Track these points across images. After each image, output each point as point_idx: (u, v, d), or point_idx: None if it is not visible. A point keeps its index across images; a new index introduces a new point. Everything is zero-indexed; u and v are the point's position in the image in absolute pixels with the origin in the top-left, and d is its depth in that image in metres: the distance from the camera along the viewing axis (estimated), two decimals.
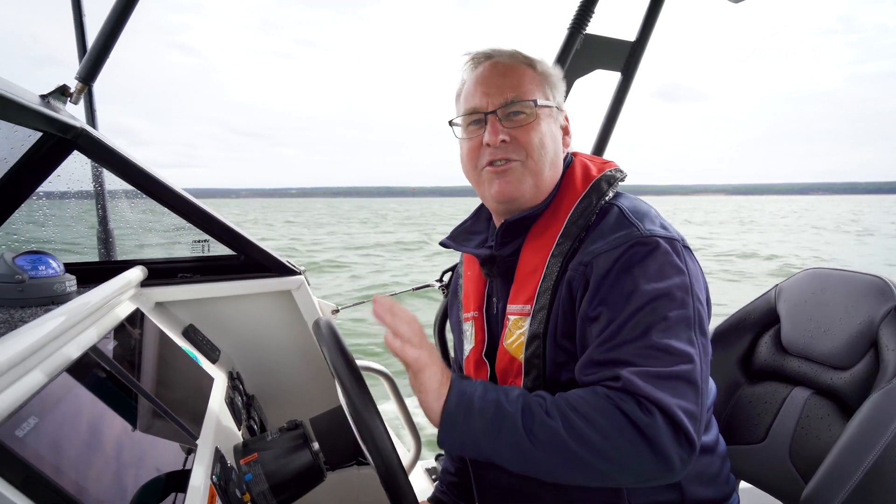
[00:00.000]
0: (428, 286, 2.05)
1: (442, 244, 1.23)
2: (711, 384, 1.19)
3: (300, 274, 1.78)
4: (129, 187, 1.58)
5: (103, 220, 2.20)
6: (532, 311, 1.03)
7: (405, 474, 0.87)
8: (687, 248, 1.00)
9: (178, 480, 0.89)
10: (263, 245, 1.75)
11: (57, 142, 1.41)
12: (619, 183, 1.09)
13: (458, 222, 1.28)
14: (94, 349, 0.98)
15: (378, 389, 1.55)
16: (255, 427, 1.43)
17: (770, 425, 1.36)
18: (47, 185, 1.46)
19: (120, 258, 2.18)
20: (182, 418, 1.05)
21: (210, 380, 1.39)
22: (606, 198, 1.05)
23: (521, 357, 1.04)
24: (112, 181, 2.18)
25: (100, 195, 2.23)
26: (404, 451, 2.05)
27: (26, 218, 1.56)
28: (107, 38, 1.54)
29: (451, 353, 1.41)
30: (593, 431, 0.85)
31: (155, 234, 1.95)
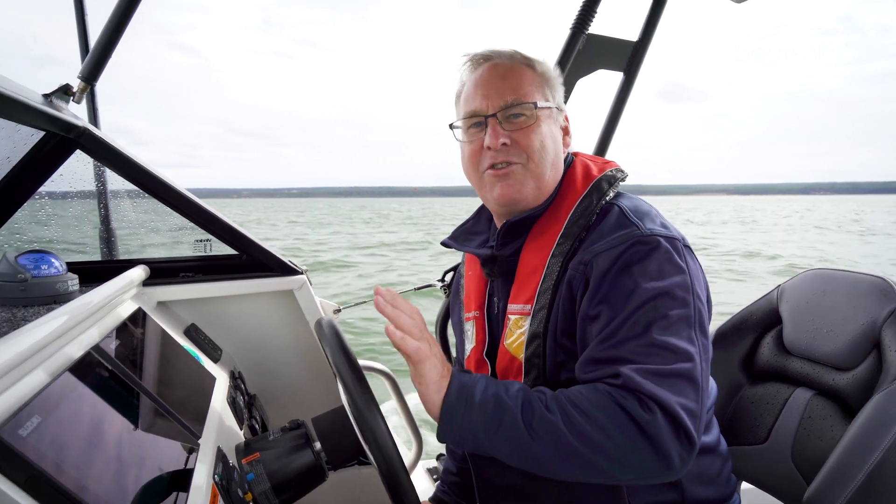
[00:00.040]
0: (430, 286, 2.05)
1: (443, 244, 1.23)
2: (712, 384, 1.19)
3: (302, 273, 1.78)
4: (131, 187, 1.57)
5: (105, 220, 2.19)
6: (532, 311, 1.03)
7: (407, 474, 0.86)
8: (687, 247, 1.00)
9: (181, 480, 0.89)
10: (265, 244, 1.75)
11: (60, 141, 1.41)
12: (620, 183, 1.09)
13: (460, 222, 1.28)
14: (96, 348, 0.98)
15: (380, 389, 1.55)
16: (257, 426, 1.43)
17: (772, 426, 1.36)
18: (49, 185, 1.46)
19: (122, 257, 2.18)
20: (184, 418, 1.05)
21: (212, 379, 1.39)
22: (607, 198, 1.05)
23: (522, 356, 1.04)
24: (114, 180, 2.18)
25: (102, 194, 2.23)
26: (406, 451, 2.05)
27: (29, 217, 1.56)
28: (110, 37, 1.54)
29: (453, 353, 1.41)
30: (593, 427, 0.84)
31: (157, 233, 1.95)
